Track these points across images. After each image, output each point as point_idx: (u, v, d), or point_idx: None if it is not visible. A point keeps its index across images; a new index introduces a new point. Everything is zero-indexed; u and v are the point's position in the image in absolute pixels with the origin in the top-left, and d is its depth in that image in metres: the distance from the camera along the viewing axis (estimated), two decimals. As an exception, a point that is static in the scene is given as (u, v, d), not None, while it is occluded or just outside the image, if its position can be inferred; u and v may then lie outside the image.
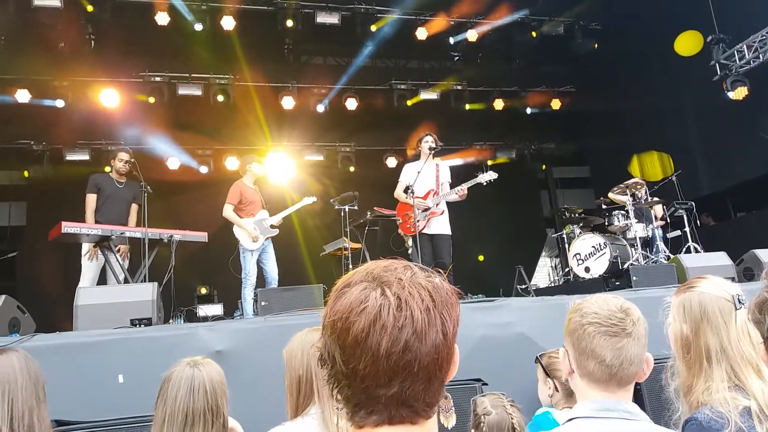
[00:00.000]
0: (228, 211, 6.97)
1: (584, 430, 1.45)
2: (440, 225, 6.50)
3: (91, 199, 6.53)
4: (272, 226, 7.15)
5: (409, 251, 6.60)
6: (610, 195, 8.52)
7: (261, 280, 7.14)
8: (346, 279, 0.93)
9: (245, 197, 7.08)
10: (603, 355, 1.49)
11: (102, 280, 6.35)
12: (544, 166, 14.07)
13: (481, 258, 11.47)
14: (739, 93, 8.66)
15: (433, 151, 6.59)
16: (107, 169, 6.83)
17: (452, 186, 6.66)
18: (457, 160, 11.50)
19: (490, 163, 12.87)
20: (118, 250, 6.30)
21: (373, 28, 10.50)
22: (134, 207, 6.78)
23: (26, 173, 10.74)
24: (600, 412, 1.46)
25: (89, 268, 6.31)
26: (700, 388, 1.59)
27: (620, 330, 1.51)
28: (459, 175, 6.90)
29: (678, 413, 1.68)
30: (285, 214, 7.34)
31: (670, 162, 11.14)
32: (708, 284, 1.75)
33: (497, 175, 6.35)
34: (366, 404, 0.88)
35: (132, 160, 6.44)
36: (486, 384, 3.75)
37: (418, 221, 6.31)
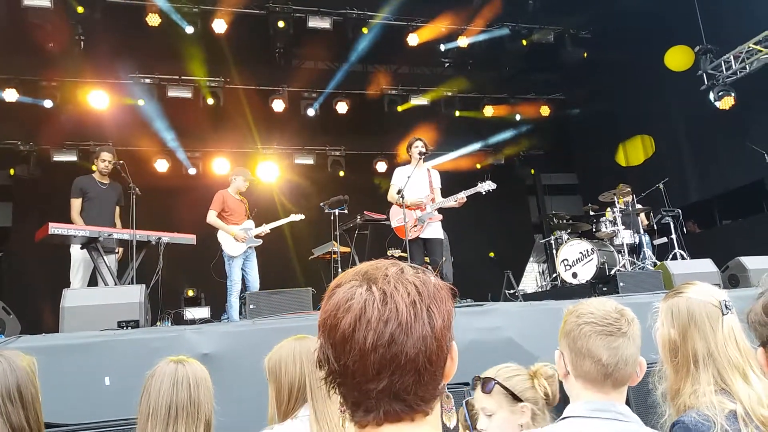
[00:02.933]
0: (211, 217, 7.03)
1: (577, 429, 1.47)
2: (433, 229, 6.48)
3: (75, 204, 6.44)
4: (256, 236, 7.17)
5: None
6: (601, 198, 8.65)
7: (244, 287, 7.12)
8: (337, 280, 0.95)
9: (227, 206, 7.13)
10: (599, 355, 1.52)
11: (93, 284, 6.28)
12: (533, 171, 14.14)
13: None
14: (725, 102, 8.77)
15: (423, 156, 6.59)
16: (94, 167, 6.75)
17: (443, 192, 6.66)
18: (446, 164, 11.54)
19: (478, 166, 12.96)
20: (118, 254, 6.31)
21: (364, 32, 10.52)
22: (117, 209, 6.71)
23: (12, 171, 10.64)
24: (593, 412, 1.48)
25: (78, 273, 6.24)
26: (687, 391, 1.61)
27: (616, 329, 1.54)
28: (452, 181, 6.92)
29: (665, 417, 1.70)
30: (270, 227, 7.35)
31: (652, 143, 11.37)
32: (695, 290, 1.78)
33: (496, 185, 6.36)
34: (360, 401, 0.89)
35: (121, 161, 6.34)
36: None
37: (414, 227, 6.32)
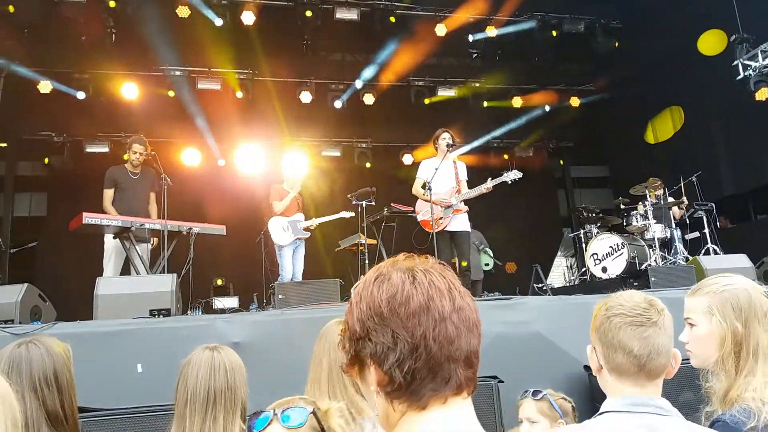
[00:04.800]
0: (276, 207, 7.35)
1: (615, 424, 1.44)
2: (460, 222, 6.44)
3: (107, 194, 6.58)
4: (305, 229, 7.41)
5: None
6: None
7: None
8: (374, 272, 0.99)
9: (282, 198, 7.43)
10: (630, 346, 1.49)
11: (125, 272, 6.41)
12: (562, 161, 13.96)
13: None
14: (762, 93, 8.53)
15: (450, 148, 6.55)
16: (126, 156, 6.90)
17: (469, 184, 6.63)
18: (474, 155, 11.48)
19: (506, 157, 12.85)
20: (152, 243, 6.43)
21: (392, 23, 10.48)
22: (152, 195, 6.86)
23: (47, 160, 10.87)
24: (631, 406, 1.45)
25: (111, 261, 6.37)
26: (739, 383, 1.57)
27: (646, 320, 1.51)
28: (479, 173, 6.87)
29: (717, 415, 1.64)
30: (319, 221, 7.59)
31: (681, 114, 11.12)
32: (741, 280, 1.74)
33: (522, 174, 6.31)
34: (439, 370, 0.92)
35: (152, 152, 6.49)
36: (502, 381, 3.75)
37: (441, 219, 6.30)
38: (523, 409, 2.68)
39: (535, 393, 2.65)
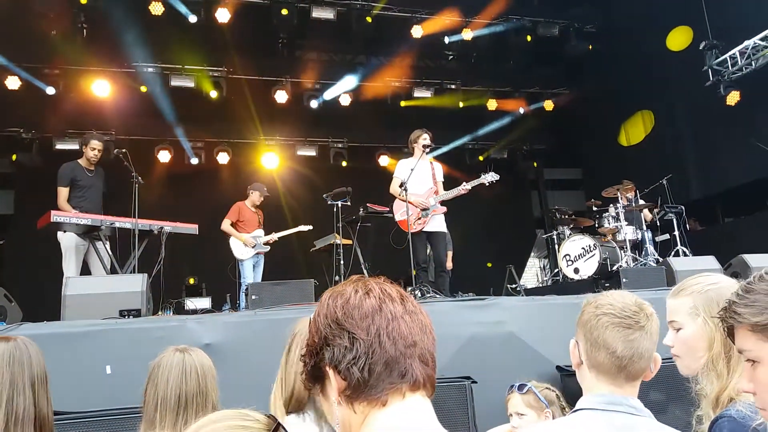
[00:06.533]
0: (224, 225, 7.74)
1: (590, 422, 1.45)
2: (437, 223, 6.47)
3: (63, 192, 6.28)
4: (265, 243, 7.80)
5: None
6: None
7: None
8: (329, 291, 1.06)
9: (243, 216, 7.78)
10: (614, 346, 1.49)
11: (85, 271, 6.22)
12: (535, 164, 14.10)
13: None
14: (731, 98, 8.72)
15: (426, 149, 6.57)
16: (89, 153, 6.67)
17: (445, 185, 6.66)
18: (449, 157, 11.52)
19: (481, 159, 12.94)
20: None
21: (368, 23, 10.47)
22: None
23: (14, 157, 10.61)
24: (606, 405, 1.46)
25: (72, 261, 6.17)
26: (733, 383, 1.54)
27: (634, 323, 1.51)
28: (454, 174, 6.90)
29: (703, 416, 1.61)
30: (279, 236, 7.97)
31: (651, 118, 11.40)
32: (725, 279, 1.72)
33: (499, 177, 6.39)
34: (395, 364, 0.97)
35: (123, 150, 6.31)
36: (475, 382, 3.75)
37: (419, 219, 6.33)
38: (511, 403, 2.81)
39: (520, 387, 2.79)
